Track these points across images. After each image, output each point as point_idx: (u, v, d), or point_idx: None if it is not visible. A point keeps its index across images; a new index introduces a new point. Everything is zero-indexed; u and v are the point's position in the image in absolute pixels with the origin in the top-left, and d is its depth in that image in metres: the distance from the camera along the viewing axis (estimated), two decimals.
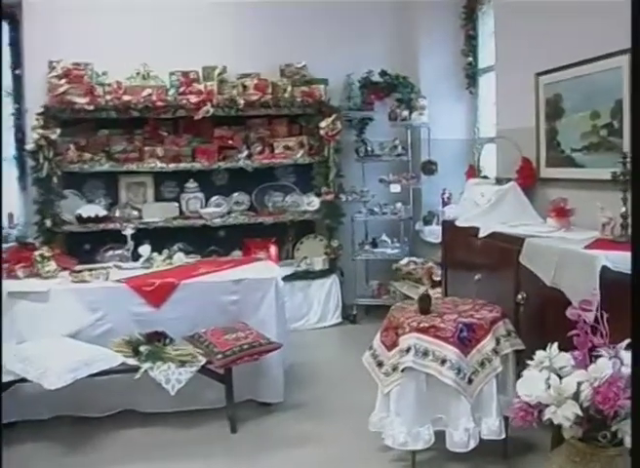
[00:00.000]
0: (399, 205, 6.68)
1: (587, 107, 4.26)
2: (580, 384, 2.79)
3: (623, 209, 3.68)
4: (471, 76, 6.86)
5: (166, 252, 5.05)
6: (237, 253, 6.66)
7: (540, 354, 3.07)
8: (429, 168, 6.69)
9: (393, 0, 7.03)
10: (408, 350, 3.39)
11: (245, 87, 6.44)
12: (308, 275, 6.54)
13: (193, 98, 6.26)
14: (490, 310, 3.68)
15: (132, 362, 3.86)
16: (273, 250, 6.67)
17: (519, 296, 3.94)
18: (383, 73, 6.79)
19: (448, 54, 6.88)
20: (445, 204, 6.62)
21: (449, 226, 5.06)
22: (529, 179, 4.80)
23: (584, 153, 4.32)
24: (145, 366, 3.80)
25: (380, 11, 6.99)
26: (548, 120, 4.69)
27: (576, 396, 2.78)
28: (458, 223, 4.79)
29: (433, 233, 6.51)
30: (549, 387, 2.84)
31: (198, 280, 4.41)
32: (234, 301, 4.40)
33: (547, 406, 2.82)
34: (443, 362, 3.35)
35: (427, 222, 6.77)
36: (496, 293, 4.19)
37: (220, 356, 3.82)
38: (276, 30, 6.67)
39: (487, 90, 6.74)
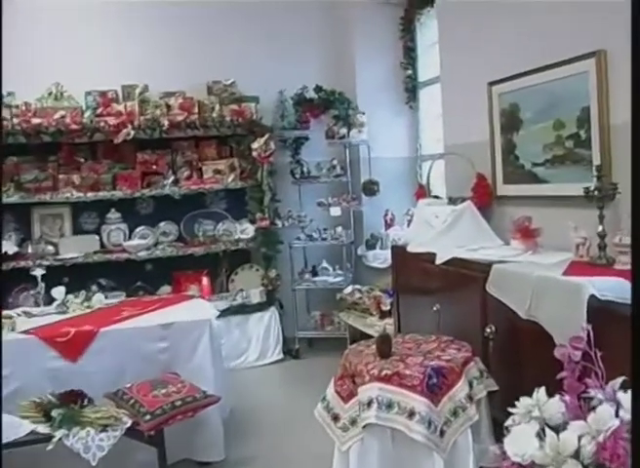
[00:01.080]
0: (340, 229, 6.23)
1: (549, 117, 3.88)
2: (579, 438, 2.34)
3: (600, 227, 3.28)
4: (411, 90, 6.55)
5: (84, 293, 4.44)
6: (166, 289, 6.16)
7: (525, 402, 2.59)
8: (370, 188, 6.28)
9: (327, 12, 6.66)
10: (369, 403, 2.90)
11: (169, 106, 5.94)
12: (245, 309, 6.04)
13: (112, 120, 5.70)
14: (458, 348, 3.23)
15: (43, 429, 3.24)
16: (206, 283, 6.18)
17: (487, 330, 3.50)
18: (318, 89, 6.39)
19: (386, 67, 6.55)
20: (388, 226, 6.30)
21: (399, 252, 4.61)
22: (485, 198, 4.40)
23: (547, 167, 3.94)
24: (60, 433, 3.19)
25: (312, 23, 6.60)
26: (504, 132, 4.30)
27: (576, 453, 2.33)
28: (410, 249, 4.35)
29: (378, 258, 6.12)
30: (544, 444, 2.39)
31: (121, 326, 3.85)
32: (163, 349, 3.85)
33: (543, 466, 2.36)
34: (411, 414, 2.87)
35: (370, 247, 6.34)
36: (459, 326, 3.76)
37: (147, 417, 3.24)
38: (202, 45, 6.22)
39: (428, 104, 6.46)
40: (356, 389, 3.03)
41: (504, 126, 4.30)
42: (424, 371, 2.92)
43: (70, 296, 4.40)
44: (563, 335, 2.83)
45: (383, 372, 2.94)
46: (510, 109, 4.22)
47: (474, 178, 4.45)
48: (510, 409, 2.60)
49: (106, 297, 5.69)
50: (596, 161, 3.53)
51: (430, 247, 4.15)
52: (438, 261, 3.95)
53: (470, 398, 2.99)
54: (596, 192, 3.32)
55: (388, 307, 5.23)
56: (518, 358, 3.35)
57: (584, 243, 3.42)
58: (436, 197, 4.73)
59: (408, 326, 4.54)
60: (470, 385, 3.05)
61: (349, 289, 5.92)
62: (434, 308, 4.00)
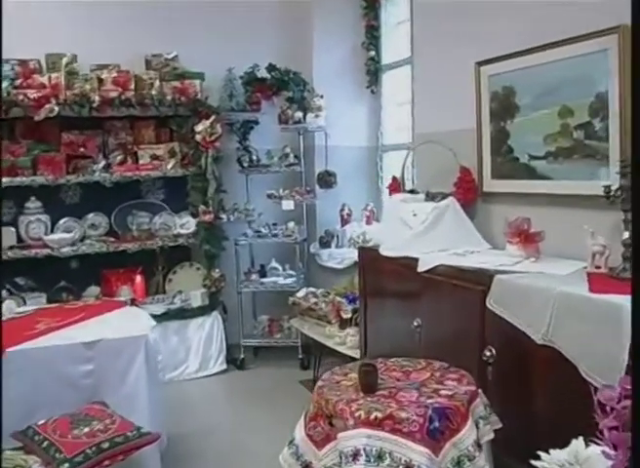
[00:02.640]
0: (292, 224, 5.59)
1: (553, 103, 3.30)
2: None
3: (626, 234, 2.71)
4: (373, 73, 5.96)
5: None
6: (94, 290, 5.43)
7: (558, 455, 2.01)
8: (327, 180, 5.70)
9: None
10: (355, 455, 2.26)
11: (101, 80, 5.17)
12: (185, 313, 5.35)
13: (33, 94, 4.90)
14: (458, 379, 2.62)
15: None
16: (139, 283, 5.44)
17: (486, 353, 2.90)
18: (271, 68, 5.73)
19: (346, 47, 5.95)
20: (345, 222, 5.77)
21: (368, 254, 3.99)
22: (469, 194, 3.82)
23: (550, 161, 3.36)
24: None
25: None
26: (495, 120, 3.72)
27: None
28: (384, 251, 3.72)
29: (333, 257, 5.58)
30: None
31: (33, 344, 3.11)
32: (88, 372, 3.14)
33: None
34: None
35: (324, 244, 5.75)
36: (447, 346, 3.17)
37: (66, 466, 2.53)
38: (141, 12, 5.46)
39: (391, 89, 5.92)
40: (334, 433, 2.39)
41: (495, 112, 3.72)
42: (425, 413, 2.30)
43: None
44: (594, 369, 2.26)
45: (373, 415, 2.30)
46: (504, 93, 3.64)
47: (457, 172, 3.85)
48: (534, 463, 2.02)
49: (24, 300, 5.10)
50: (614, 155, 2.97)
51: (409, 250, 3.54)
52: (421, 268, 3.34)
53: (478, 444, 2.38)
54: (619, 192, 2.76)
55: (349, 315, 4.61)
56: (525, 388, 2.77)
57: (603, 251, 2.85)
58: (412, 192, 4.11)
59: (377, 341, 3.95)
60: (477, 425, 2.44)
61: (303, 292, 5.28)
62: (414, 323, 3.39)
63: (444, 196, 3.80)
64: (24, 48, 5.13)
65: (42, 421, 2.79)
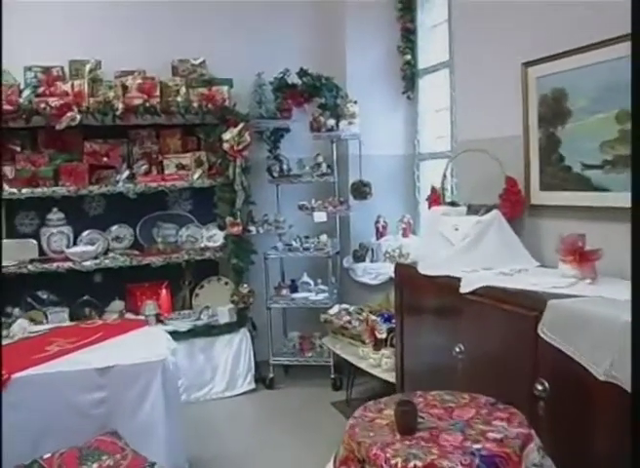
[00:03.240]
0: (324, 237, 5.31)
1: (611, 106, 2.98)
2: None
3: None
4: (409, 78, 5.64)
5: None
6: (118, 305, 5.23)
7: None
8: (361, 190, 5.39)
9: None
10: None
11: (125, 88, 4.96)
12: (211, 330, 5.11)
13: (54, 102, 4.70)
14: (507, 418, 2.31)
15: None
16: (165, 298, 5.32)
17: (538, 387, 2.60)
18: (303, 73, 5.45)
19: (381, 51, 5.64)
20: (380, 235, 5.46)
21: (406, 271, 3.70)
22: (516, 207, 3.51)
23: (607, 170, 3.05)
24: None
25: None
26: (544, 125, 3.41)
27: None
28: (423, 270, 3.43)
29: (368, 272, 5.29)
30: None
31: (42, 369, 2.89)
32: (100, 401, 2.92)
33: None
34: None
35: (358, 258, 5.45)
36: (492, 378, 2.87)
37: None
38: (168, 17, 5.31)
39: (428, 94, 5.60)
40: None
41: (544, 117, 3.41)
42: (471, 463, 2.00)
43: None
44: None
45: (411, 464, 2.01)
46: (554, 96, 3.33)
47: (502, 183, 3.55)
48: None
49: (46, 314, 4.92)
50: None
51: (450, 268, 3.25)
52: (465, 289, 3.04)
53: None
54: None
55: (385, 335, 4.31)
56: (582, 428, 2.46)
57: None
58: (452, 204, 3.81)
59: (414, 366, 3.66)
60: None
61: (335, 309, 5.00)
62: (456, 349, 3.09)
63: (488, 209, 3.50)
64: (48, 54, 5.01)
65: (48, 454, 2.54)
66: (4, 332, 3.38)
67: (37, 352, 3.06)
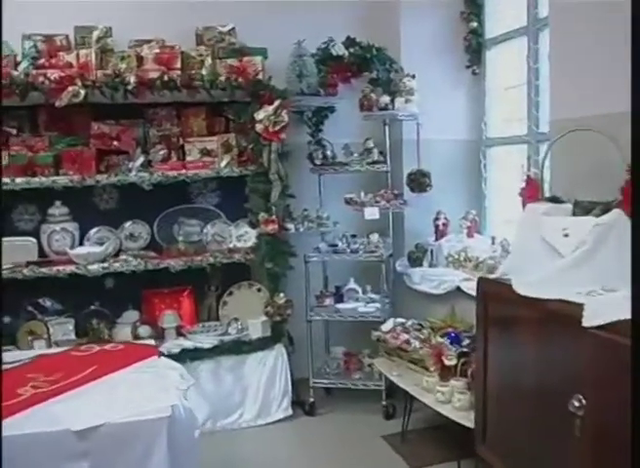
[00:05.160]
0: (375, 237, 4.51)
1: None
2: None
3: None
4: (475, 49, 4.85)
5: None
6: (132, 315, 4.50)
7: None
8: (420, 182, 4.60)
9: None
10: None
11: (140, 59, 4.24)
12: (241, 346, 4.36)
13: (53, 74, 3.96)
14: None
15: None
16: (188, 307, 4.63)
17: None
18: (350, 42, 4.70)
19: (441, 17, 4.85)
20: (440, 234, 4.69)
21: (493, 289, 2.84)
22: None
23: None
24: None
25: None
26: None
27: None
28: (521, 289, 2.57)
29: (428, 279, 4.48)
30: None
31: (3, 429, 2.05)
32: None
33: None
34: None
35: (415, 262, 4.64)
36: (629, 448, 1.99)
37: None
38: None
39: (498, 69, 4.81)
40: None
41: None
42: None
43: None
44: None
45: None
46: None
47: (623, 173, 2.66)
48: None
49: (47, 326, 4.25)
50: None
51: (561, 288, 2.38)
52: (590, 322, 2.17)
53: None
54: None
55: (454, 361, 3.48)
56: None
57: None
58: (554, 200, 2.92)
59: (503, 415, 2.82)
60: None
61: (389, 324, 4.18)
62: (573, 403, 2.23)
63: (605, 208, 2.63)
64: (51, 21, 4.32)
65: None
66: None
67: (5, 396, 2.26)
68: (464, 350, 3.54)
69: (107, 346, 3.14)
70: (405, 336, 3.95)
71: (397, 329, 4.11)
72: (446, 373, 3.53)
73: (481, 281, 2.97)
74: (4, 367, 2.68)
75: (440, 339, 3.68)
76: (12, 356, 2.82)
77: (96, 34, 4.22)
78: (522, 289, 2.57)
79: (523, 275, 2.64)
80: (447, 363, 3.52)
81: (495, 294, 2.83)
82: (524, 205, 2.96)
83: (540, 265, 2.58)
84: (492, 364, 2.91)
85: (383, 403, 4.37)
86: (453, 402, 3.33)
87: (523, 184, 3.08)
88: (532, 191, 2.94)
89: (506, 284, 2.68)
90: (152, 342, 3.50)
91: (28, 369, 2.64)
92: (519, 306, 2.61)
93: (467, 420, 3.15)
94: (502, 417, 2.88)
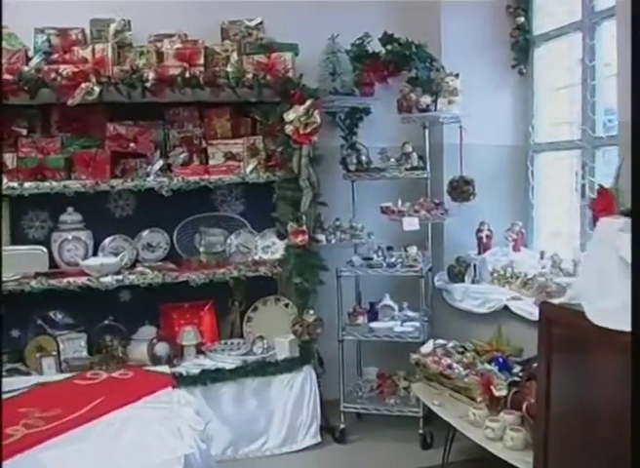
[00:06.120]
0: (413, 250, 4.13)
1: None
2: None
3: None
4: (522, 47, 4.54)
5: None
6: (149, 330, 4.19)
7: None
8: (463, 190, 4.27)
9: None
10: None
11: (161, 54, 3.96)
12: (267, 368, 4.04)
13: (66, 70, 3.68)
14: None
15: None
16: (209, 322, 4.35)
17: None
18: (388, 39, 4.36)
19: (485, 12, 4.54)
20: (483, 247, 4.35)
21: (559, 315, 2.47)
22: None
23: None
24: None
25: None
26: None
27: None
28: (597, 319, 2.19)
29: (471, 296, 4.15)
30: None
31: None
32: None
33: None
34: None
35: (455, 277, 4.29)
36: None
37: None
38: None
39: (547, 68, 4.50)
40: None
41: None
42: None
43: None
44: None
45: None
46: None
47: None
48: None
49: (57, 341, 3.99)
50: None
51: None
52: None
53: None
54: None
55: (504, 392, 3.11)
56: None
57: None
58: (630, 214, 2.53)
59: (571, 464, 2.42)
60: None
61: (429, 345, 3.80)
62: None
63: None
64: (66, 13, 4.06)
65: None
66: None
67: None
68: (516, 379, 3.17)
69: (116, 373, 2.80)
70: (447, 361, 3.57)
71: (438, 351, 3.74)
72: (495, 405, 3.17)
73: (544, 306, 2.58)
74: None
75: (488, 366, 3.30)
76: (8, 383, 2.48)
77: (113, 28, 3.97)
78: (598, 318, 2.19)
79: (597, 300, 2.25)
80: (496, 393, 3.16)
81: (561, 321, 2.45)
82: (595, 220, 2.57)
83: (617, 289, 2.19)
84: (556, 399, 2.53)
85: (420, 431, 4.01)
86: (505, 440, 2.94)
87: (595, 195, 2.69)
88: (605, 204, 2.54)
89: (576, 310, 2.30)
90: (167, 368, 3.16)
91: (23, 400, 2.31)
92: (592, 335, 2.23)
93: (523, 462, 2.76)
94: (569, 461, 2.49)
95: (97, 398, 2.29)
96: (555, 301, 2.60)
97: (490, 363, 3.39)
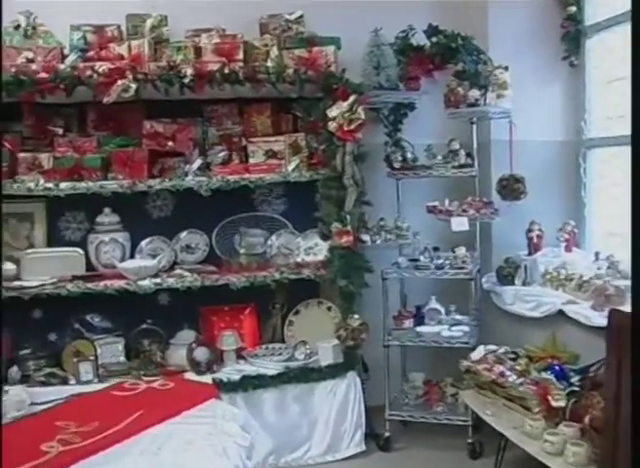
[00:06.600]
0: (462, 251, 3.99)
1: None
2: None
3: None
4: (573, 38, 4.37)
5: None
6: (188, 334, 4.08)
7: None
8: (513, 188, 4.10)
9: None
10: None
11: (199, 49, 3.89)
12: (310, 374, 3.89)
13: (101, 67, 3.59)
14: None
15: None
16: (249, 327, 4.22)
17: None
18: (433, 31, 4.22)
19: (534, 2, 4.36)
20: (534, 248, 4.17)
21: (630, 323, 2.28)
22: None
23: None
24: None
25: None
26: None
27: None
28: None
29: (522, 299, 3.94)
30: None
31: None
32: None
33: None
34: None
35: (505, 279, 4.10)
36: None
37: None
38: None
39: (600, 59, 4.32)
40: None
41: None
42: None
43: None
44: None
45: None
46: None
47: None
48: None
49: (94, 346, 3.86)
50: None
51: None
52: None
53: None
54: None
55: (563, 402, 2.93)
56: None
57: None
58: None
59: None
60: None
61: (479, 351, 3.63)
62: None
63: None
64: (102, 10, 4.03)
65: None
66: None
67: (28, 453, 1.79)
68: (575, 389, 2.99)
69: (156, 384, 2.70)
70: (500, 368, 3.39)
71: (489, 358, 3.56)
72: (552, 416, 2.99)
73: (614, 314, 2.40)
74: (35, 408, 2.24)
75: (544, 375, 3.12)
76: (44, 394, 2.37)
77: (149, 23, 3.92)
78: None
79: None
80: (554, 404, 2.98)
81: (636, 331, 2.27)
82: None
83: None
84: (626, 413, 2.35)
85: (469, 440, 3.85)
86: (566, 455, 2.76)
87: None
88: None
89: None
90: (208, 378, 3.03)
91: (60, 412, 2.22)
92: None
93: None
94: None
95: (135, 411, 2.18)
96: (626, 310, 2.41)
97: (545, 371, 3.21)
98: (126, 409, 2.22)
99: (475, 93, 3.94)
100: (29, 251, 3.94)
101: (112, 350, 3.95)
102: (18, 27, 3.88)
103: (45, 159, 3.74)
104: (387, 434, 4.01)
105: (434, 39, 4.21)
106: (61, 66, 3.66)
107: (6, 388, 2.43)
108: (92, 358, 3.77)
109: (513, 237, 4.22)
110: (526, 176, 4.10)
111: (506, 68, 4.00)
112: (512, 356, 3.57)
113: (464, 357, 3.66)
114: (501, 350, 3.64)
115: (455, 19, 4.29)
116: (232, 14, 4.07)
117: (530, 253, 4.14)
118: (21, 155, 3.75)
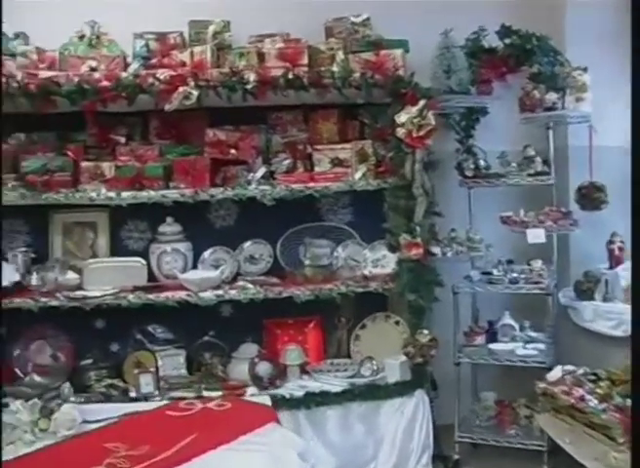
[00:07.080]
0: (538, 264, 3.82)
1: None
2: None
3: None
4: None
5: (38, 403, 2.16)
6: (250, 348, 3.97)
7: None
8: (593, 197, 3.90)
9: None
10: None
11: (262, 55, 3.78)
12: (376, 391, 3.72)
13: (163, 74, 3.57)
14: None
15: None
16: (314, 341, 4.11)
17: None
18: (506, 32, 4.04)
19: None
20: (615, 261, 3.94)
21: None
22: None
23: None
24: None
25: None
26: None
27: None
28: None
29: (603, 316, 3.73)
30: None
31: None
32: None
33: None
34: None
35: (583, 294, 3.88)
36: None
37: None
38: None
39: None
40: None
41: None
42: None
43: (19, 403, 2.12)
44: None
45: None
46: None
47: None
48: None
49: (155, 357, 3.83)
50: None
51: None
52: None
53: None
54: None
55: None
56: None
57: None
58: None
59: None
60: None
61: (557, 372, 3.41)
62: None
63: None
64: (164, 17, 4.02)
65: None
66: (43, 425, 2.06)
67: None
68: None
69: (212, 404, 2.56)
70: (579, 392, 3.17)
71: (567, 379, 3.34)
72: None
73: None
74: (87, 427, 2.14)
75: (629, 401, 2.89)
76: (97, 412, 2.27)
77: (212, 29, 3.82)
78: None
79: None
80: None
81: None
82: None
83: None
84: None
85: (545, 467, 3.66)
86: None
87: None
88: None
89: None
90: (268, 399, 2.90)
91: (111, 433, 2.11)
92: None
93: None
94: None
95: (189, 434, 2.06)
96: None
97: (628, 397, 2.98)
98: (179, 432, 2.10)
99: (552, 96, 3.76)
100: (92, 260, 3.91)
101: (173, 362, 3.89)
102: (82, 37, 3.87)
103: (107, 168, 3.69)
104: (457, 456, 3.85)
105: (507, 40, 4.04)
106: (124, 74, 3.61)
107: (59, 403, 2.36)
108: (152, 370, 3.70)
109: (593, 249, 4.03)
110: (607, 185, 3.89)
111: (585, 70, 3.82)
112: (592, 378, 3.32)
113: (539, 377, 3.47)
114: (580, 371, 3.41)
115: (529, 18, 4.12)
116: (296, 18, 3.99)
117: (611, 267, 3.92)
118: (84, 164, 3.70)
